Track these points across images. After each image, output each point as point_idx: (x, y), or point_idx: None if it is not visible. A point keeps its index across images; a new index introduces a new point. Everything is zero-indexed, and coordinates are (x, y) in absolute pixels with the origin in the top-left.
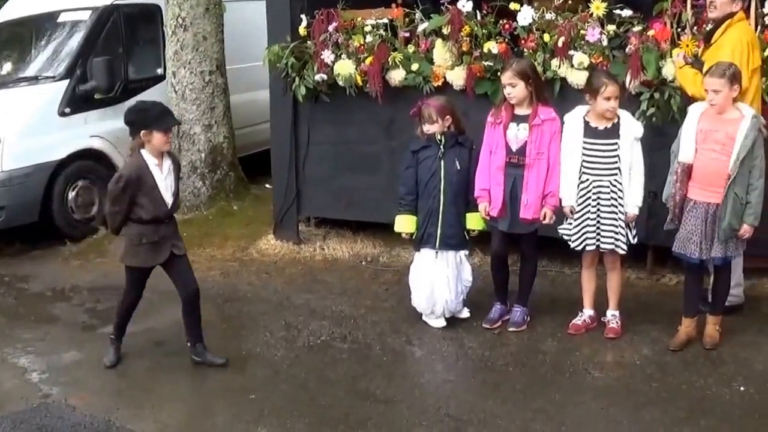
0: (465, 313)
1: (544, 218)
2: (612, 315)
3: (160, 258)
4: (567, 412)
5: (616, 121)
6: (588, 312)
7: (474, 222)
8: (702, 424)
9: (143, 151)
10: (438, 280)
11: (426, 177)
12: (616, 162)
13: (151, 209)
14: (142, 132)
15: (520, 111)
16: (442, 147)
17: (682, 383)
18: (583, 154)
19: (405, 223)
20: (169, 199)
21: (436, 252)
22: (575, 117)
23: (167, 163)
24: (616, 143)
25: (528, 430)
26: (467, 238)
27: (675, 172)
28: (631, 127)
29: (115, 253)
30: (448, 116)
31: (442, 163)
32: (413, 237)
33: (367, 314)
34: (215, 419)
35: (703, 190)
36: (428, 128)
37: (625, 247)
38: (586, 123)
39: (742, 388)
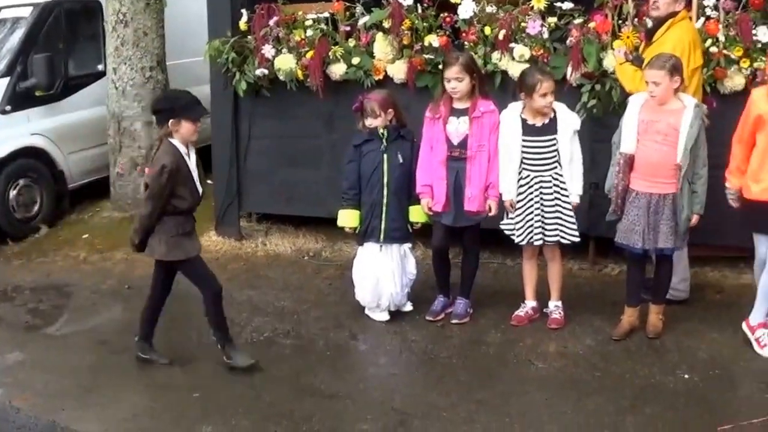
0: (408, 307)
1: (489, 210)
2: (554, 306)
3: (196, 246)
4: (511, 403)
5: (552, 115)
6: (530, 303)
7: (417, 215)
8: (647, 412)
9: (172, 140)
10: (383, 274)
11: (369, 171)
12: (556, 156)
13: (189, 198)
14: (171, 121)
15: (459, 105)
16: (384, 141)
17: (626, 372)
18: (523, 152)
19: (348, 218)
20: (200, 187)
21: (381, 245)
22: (511, 115)
23: (192, 151)
24: (555, 138)
25: (472, 422)
26: (410, 231)
27: (617, 163)
28: (569, 121)
29: (45, 256)
30: (390, 110)
31: (385, 156)
32: (357, 231)
33: (310, 309)
34: (160, 418)
35: (646, 181)
36: (371, 122)
37: (571, 239)
38: (523, 121)
39: (686, 376)
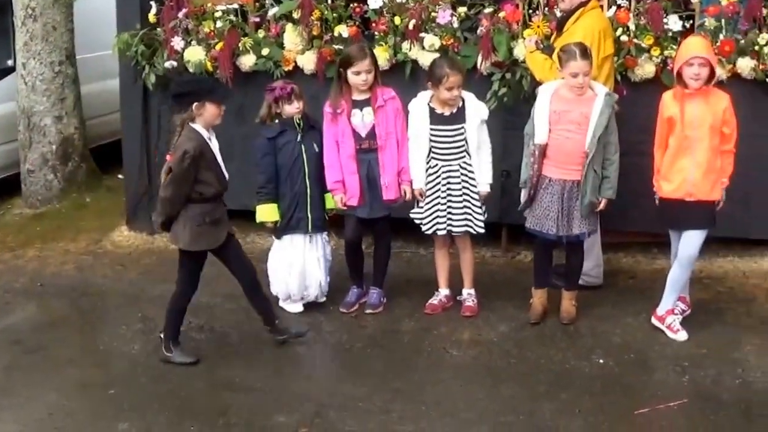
0: (322, 298)
1: (405, 195)
2: (468, 293)
3: (222, 237)
4: (426, 392)
5: (461, 105)
6: (444, 292)
7: (331, 202)
8: (562, 398)
9: (195, 125)
10: (310, 264)
11: (288, 163)
12: (464, 145)
13: (215, 184)
14: (195, 105)
15: (359, 96)
16: (300, 131)
17: (541, 358)
18: (431, 140)
19: (268, 212)
20: (226, 173)
21: (310, 236)
22: (420, 104)
23: (213, 135)
24: (463, 127)
25: (388, 411)
26: (326, 219)
27: (532, 154)
28: (477, 110)
29: None
30: (302, 97)
31: (303, 147)
32: (277, 225)
33: (224, 302)
34: (76, 417)
35: (559, 168)
36: (290, 110)
37: (478, 229)
38: (432, 109)
39: (601, 361)
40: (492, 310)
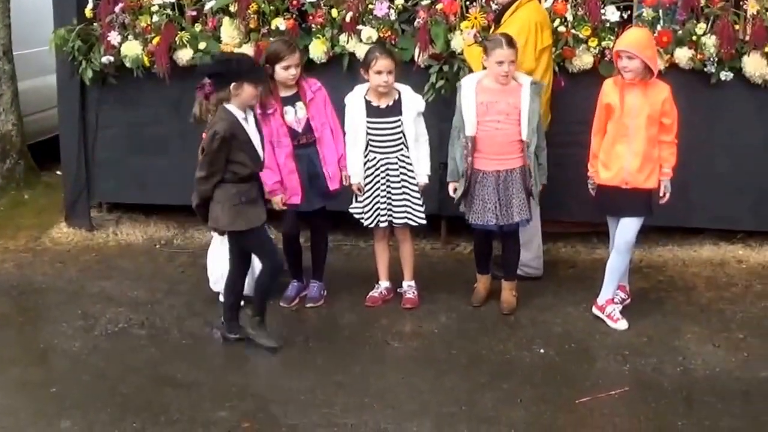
0: None
1: (347, 181)
2: (408, 285)
3: (263, 216)
4: (369, 384)
5: (397, 97)
6: (384, 284)
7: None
8: (504, 388)
9: (228, 106)
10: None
11: None
12: (401, 138)
13: (249, 164)
14: (233, 85)
15: (285, 93)
16: None
17: (482, 349)
18: (368, 133)
19: None
20: (260, 152)
21: None
22: (356, 97)
23: (250, 116)
24: (399, 120)
25: (331, 404)
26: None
27: (464, 147)
28: (413, 102)
29: None
30: None
31: None
32: None
33: (164, 298)
34: (17, 416)
35: (491, 160)
36: None
37: (419, 221)
38: (368, 102)
39: (541, 351)
40: (433, 301)
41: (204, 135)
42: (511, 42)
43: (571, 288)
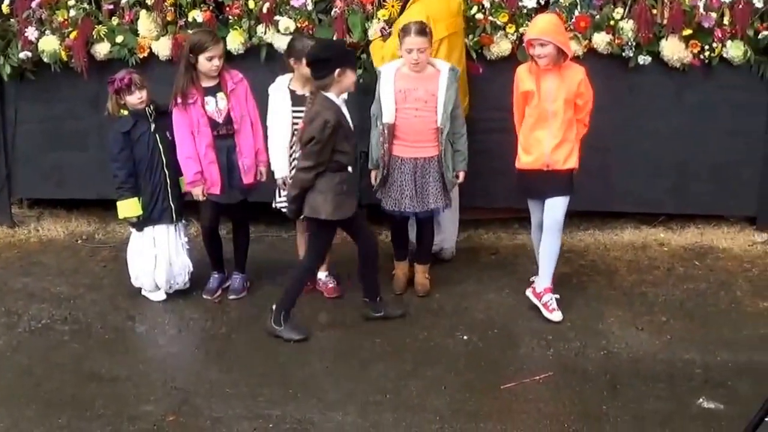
0: (187, 283)
1: (261, 176)
2: (326, 276)
3: (355, 205)
4: (292, 374)
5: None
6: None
7: (183, 185)
8: (428, 375)
9: (328, 94)
10: (176, 252)
11: (146, 155)
12: None
13: (351, 153)
14: (337, 71)
15: (207, 83)
16: (152, 121)
17: (406, 337)
18: (294, 123)
19: (131, 207)
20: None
21: (175, 225)
22: (279, 87)
23: (343, 104)
24: None
25: (255, 396)
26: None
27: (381, 134)
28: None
29: None
30: (146, 84)
31: (157, 137)
32: (139, 219)
33: (86, 294)
34: None
35: (410, 147)
36: (137, 97)
37: None
38: (292, 92)
39: (465, 337)
40: (356, 290)
41: (301, 125)
42: (421, 30)
43: (493, 274)
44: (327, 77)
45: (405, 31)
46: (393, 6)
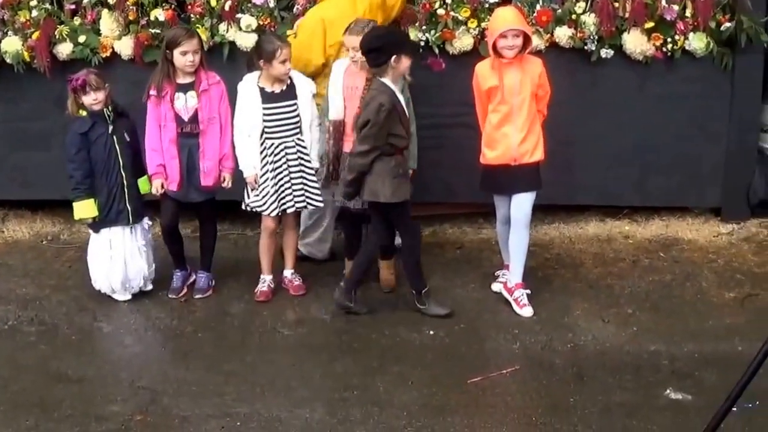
0: (149, 285)
1: (224, 181)
2: (292, 274)
3: (411, 189)
4: (260, 372)
5: (289, 81)
6: (268, 277)
7: (146, 187)
8: (395, 371)
9: (384, 79)
10: (132, 255)
11: (102, 156)
12: (298, 122)
13: (405, 137)
14: (393, 57)
15: (183, 80)
16: (110, 122)
17: (372, 333)
18: (264, 120)
19: (87, 208)
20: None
21: (131, 227)
22: (249, 85)
23: (398, 90)
24: (296, 104)
25: (222, 394)
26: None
27: (327, 130)
28: (306, 85)
29: None
30: (107, 85)
31: (115, 138)
32: (95, 220)
33: (52, 294)
34: None
35: None
36: (95, 98)
37: (317, 204)
38: (262, 89)
39: (431, 332)
40: (322, 285)
41: (358, 110)
42: (358, 28)
43: (458, 269)
44: (383, 65)
45: (348, 30)
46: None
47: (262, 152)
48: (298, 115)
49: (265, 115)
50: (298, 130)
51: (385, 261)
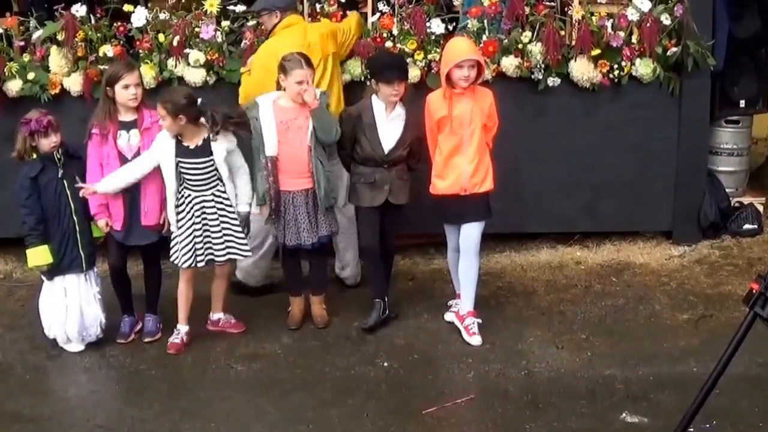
0: (101, 333)
1: (164, 224)
2: (225, 315)
3: (376, 201)
4: (214, 408)
5: (206, 136)
6: (184, 328)
7: (98, 231)
8: (350, 403)
9: (374, 96)
10: (87, 303)
11: (53, 201)
12: (215, 174)
13: (368, 150)
14: (372, 81)
15: (125, 117)
16: (61, 166)
17: (326, 366)
18: (181, 173)
19: (41, 255)
20: (386, 146)
21: (86, 275)
22: (165, 139)
23: (394, 113)
24: (211, 160)
25: (177, 431)
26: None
27: (265, 168)
28: (222, 143)
29: None
30: (59, 129)
31: (66, 183)
32: (49, 267)
33: (6, 333)
34: None
35: (297, 179)
36: (53, 140)
37: (244, 254)
38: (178, 142)
39: (385, 364)
40: (273, 320)
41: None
42: (309, 62)
43: (411, 300)
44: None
45: (294, 63)
46: None
47: (179, 202)
48: (215, 170)
49: (181, 168)
50: (216, 182)
51: (316, 297)
